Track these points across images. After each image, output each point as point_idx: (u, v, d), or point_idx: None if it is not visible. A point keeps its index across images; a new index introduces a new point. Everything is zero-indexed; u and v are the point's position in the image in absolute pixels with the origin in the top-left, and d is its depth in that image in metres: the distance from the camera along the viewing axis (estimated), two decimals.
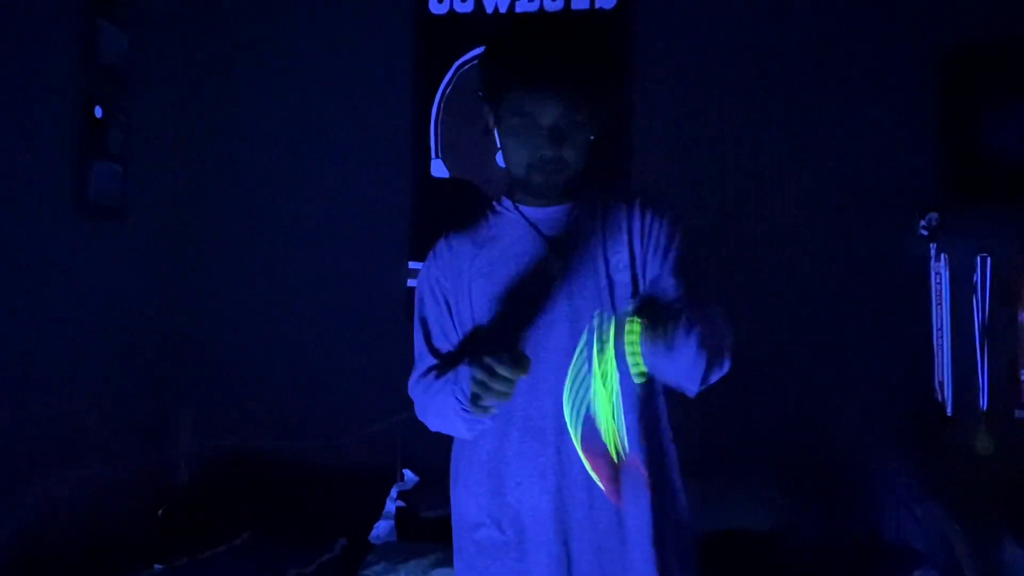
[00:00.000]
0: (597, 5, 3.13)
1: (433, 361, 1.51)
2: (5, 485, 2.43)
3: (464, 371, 1.37)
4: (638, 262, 1.46)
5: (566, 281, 1.45)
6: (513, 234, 1.51)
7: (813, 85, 3.01)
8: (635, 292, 1.44)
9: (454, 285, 1.52)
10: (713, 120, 3.04)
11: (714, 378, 1.35)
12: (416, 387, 1.52)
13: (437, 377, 1.47)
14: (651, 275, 1.45)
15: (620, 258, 1.46)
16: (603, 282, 1.45)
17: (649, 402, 1.46)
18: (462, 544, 1.54)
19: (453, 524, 1.56)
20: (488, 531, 1.48)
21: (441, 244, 1.57)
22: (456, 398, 1.39)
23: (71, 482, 2.62)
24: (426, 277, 1.56)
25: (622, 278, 1.45)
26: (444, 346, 1.53)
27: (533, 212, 1.52)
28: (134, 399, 3.03)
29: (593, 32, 1.47)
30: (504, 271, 1.48)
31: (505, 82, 1.43)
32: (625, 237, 1.47)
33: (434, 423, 1.51)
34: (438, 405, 1.45)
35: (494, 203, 1.58)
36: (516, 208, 1.53)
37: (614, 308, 1.42)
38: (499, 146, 1.53)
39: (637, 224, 1.47)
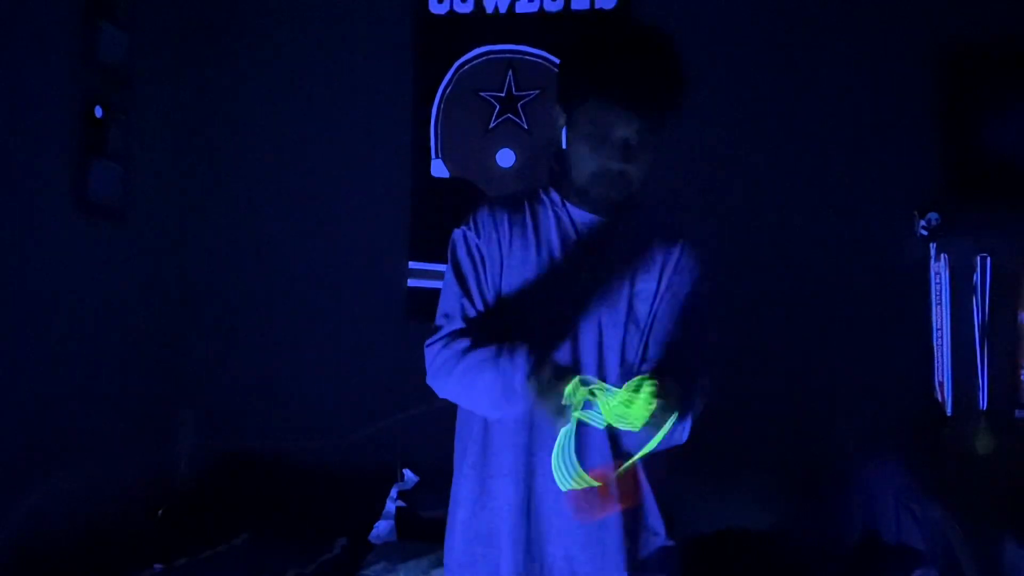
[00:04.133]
0: (597, 5, 3.14)
1: (461, 325, 1.48)
2: (5, 485, 2.43)
3: (521, 358, 1.35)
4: (659, 295, 1.47)
5: (592, 292, 1.46)
6: (553, 229, 1.51)
7: (812, 85, 3.01)
8: (650, 323, 1.46)
9: (490, 255, 1.50)
10: (712, 120, 3.04)
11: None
12: (444, 351, 1.46)
13: (473, 346, 1.43)
14: (659, 315, 1.47)
15: (646, 288, 1.47)
16: (623, 306, 1.46)
17: None
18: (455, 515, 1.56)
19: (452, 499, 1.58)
20: (471, 520, 1.51)
21: (484, 213, 1.54)
22: (510, 378, 1.36)
23: (71, 482, 2.62)
24: (463, 240, 1.53)
25: (642, 308, 1.46)
26: (480, 306, 1.49)
27: (578, 214, 1.52)
28: (134, 399, 3.03)
29: (672, 50, 1.47)
30: (537, 263, 1.48)
31: (586, 88, 1.42)
32: (657, 271, 1.48)
33: (456, 392, 1.48)
34: (477, 378, 1.41)
35: (540, 191, 1.56)
36: (563, 204, 1.53)
37: (625, 333, 1.44)
38: (564, 147, 1.52)
39: (672, 262, 1.49)
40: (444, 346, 1.47)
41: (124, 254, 3.02)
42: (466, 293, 1.49)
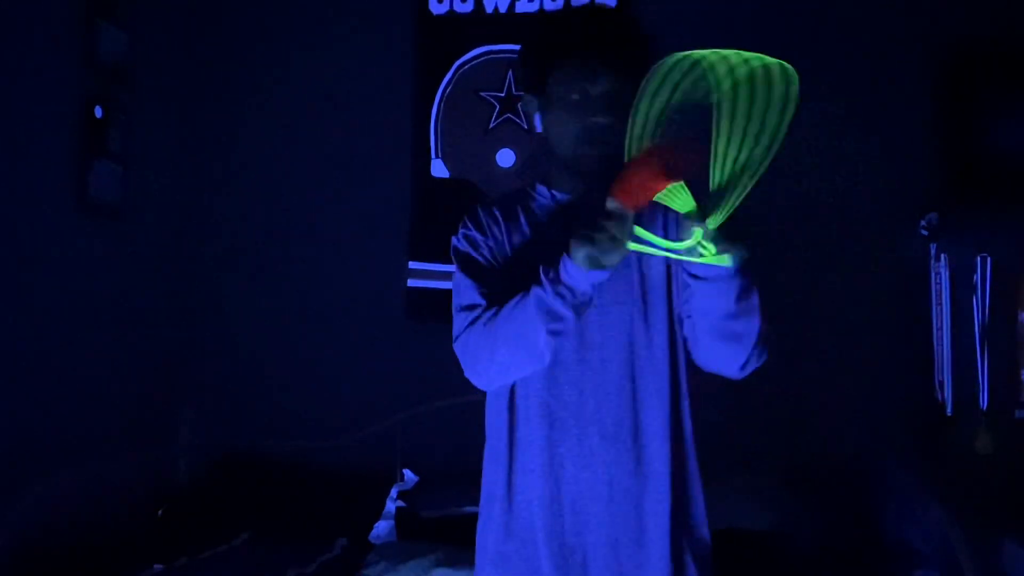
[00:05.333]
0: (597, 4, 3.14)
1: (483, 304, 1.44)
2: (5, 485, 2.43)
3: (545, 275, 1.32)
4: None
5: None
6: (547, 219, 1.50)
7: (813, 85, 2.99)
8: (669, 285, 1.45)
9: (493, 238, 1.49)
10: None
11: (755, 361, 1.36)
12: (473, 330, 1.42)
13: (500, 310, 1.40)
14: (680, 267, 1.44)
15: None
16: (635, 276, 1.44)
17: (676, 404, 1.46)
18: (485, 525, 1.52)
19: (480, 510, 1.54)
20: (502, 517, 1.48)
21: (480, 211, 1.53)
22: (543, 288, 1.32)
23: (71, 482, 2.62)
24: (461, 237, 1.51)
25: (655, 272, 1.45)
26: (496, 284, 1.45)
27: (567, 199, 1.51)
28: (134, 399, 3.03)
29: (627, 13, 1.49)
30: (537, 255, 1.45)
31: (553, 60, 1.45)
32: (660, 227, 1.46)
33: (502, 357, 1.40)
34: (514, 321, 1.37)
35: (527, 188, 1.56)
36: (551, 194, 1.53)
37: (644, 302, 1.43)
38: (541, 130, 1.52)
39: (673, 217, 1.45)
40: (472, 327, 1.42)
41: (124, 254, 3.02)
42: (477, 277, 1.47)
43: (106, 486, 2.78)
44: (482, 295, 1.45)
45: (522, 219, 1.51)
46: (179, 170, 3.30)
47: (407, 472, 2.99)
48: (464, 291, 1.48)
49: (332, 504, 2.89)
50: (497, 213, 1.52)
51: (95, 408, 2.84)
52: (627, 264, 1.43)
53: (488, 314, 1.41)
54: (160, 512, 2.95)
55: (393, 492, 2.87)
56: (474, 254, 1.49)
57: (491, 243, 1.49)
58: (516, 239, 1.49)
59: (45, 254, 2.65)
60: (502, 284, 1.44)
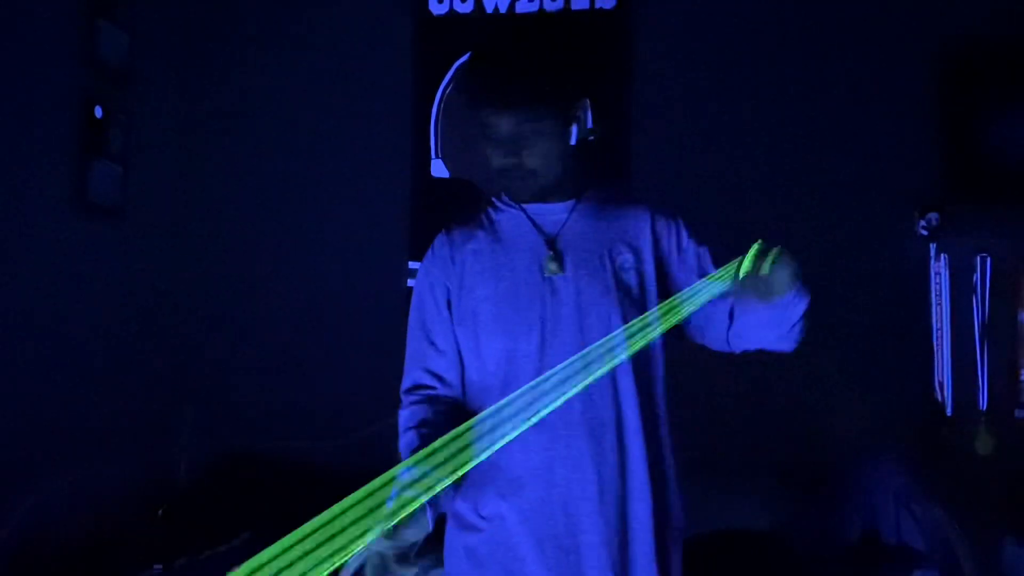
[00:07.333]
0: (597, 5, 3.14)
1: (421, 377, 1.55)
2: (5, 485, 2.43)
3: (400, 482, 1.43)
4: (646, 264, 1.49)
5: (571, 279, 1.45)
6: (514, 230, 1.52)
7: (813, 85, 3.01)
8: (642, 293, 1.47)
9: (456, 281, 1.52)
10: (713, 120, 3.04)
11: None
12: (403, 404, 1.57)
13: (411, 425, 1.56)
14: (692, 271, 1.50)
15: (626, 259, 1.48)
16: (610, 282, 1.46)
17: (652, 408, 1.47)
18: (453, 542, 1.54)
19: (448, 520, 1.56)
20: (486, 525, 1.49)
21: (441, 239, 1.58)
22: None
23: (71, 482, 2.62)
24: (426, 275, 1.56)
25: (628, 279, 1.47)
26: (444, 347, 1.53)
27: (533, 208, 1.52)
28: (134, 399, 3.03)
29: (567, 34, 1.49)
30: (506, 266, 1.49)
31: (469, 97, 1.47)
32: (632, 239, 1.49)
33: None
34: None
35: (494, 199, 1.58)
36: (517, 204, 1.54)
37: (621, 308, 1.44)
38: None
39: (646, 227, 1.50)
40: (404, 397, 1.59)
41: (124, 254, 3.02)
42: (427, 338, 1.55)
43: (106, 486, 2.78)
44: (419, 378, 1.57)
45: (491, 232, 1.54)
46: (179, 170, 3.30)
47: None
48: (411, 344, 1.58)
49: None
50: (464, 233, 1.55)
51: (95, 408, 2.83)
52: (602, 268, 1.47)
53: (403, 418, 1.58)
54: (160, 512, 2.95)
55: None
56: (428, 303, 1.54)
57: (452, 280, 1.53)
58: (483, 256, 1.51)
59: (45, 254, 2.65)
60: (448, 336, 1.52)
